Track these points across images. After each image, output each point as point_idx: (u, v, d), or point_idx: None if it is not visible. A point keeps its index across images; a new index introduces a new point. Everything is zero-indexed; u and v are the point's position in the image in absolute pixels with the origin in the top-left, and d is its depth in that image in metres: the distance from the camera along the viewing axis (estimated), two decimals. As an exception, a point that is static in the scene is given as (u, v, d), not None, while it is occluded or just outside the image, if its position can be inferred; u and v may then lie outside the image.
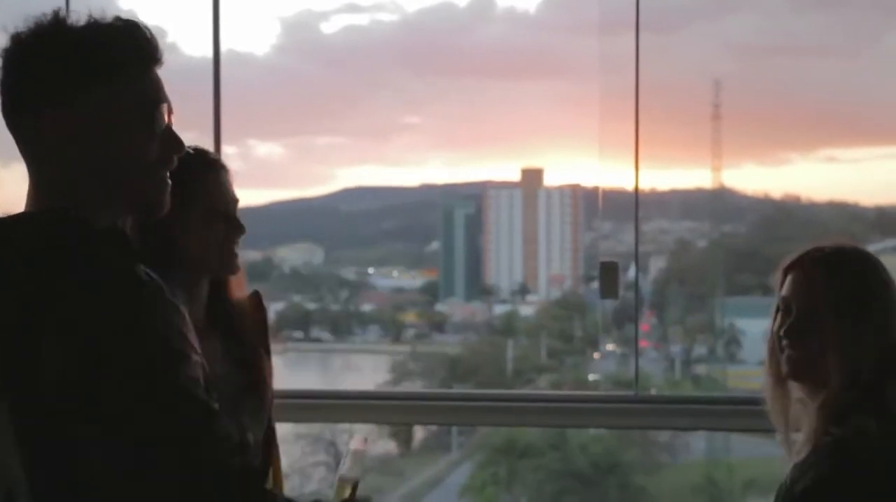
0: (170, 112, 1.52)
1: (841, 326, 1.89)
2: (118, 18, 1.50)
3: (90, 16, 1.49)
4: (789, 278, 1.97)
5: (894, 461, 1.82)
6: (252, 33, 10.97)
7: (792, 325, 1.95)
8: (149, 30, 1.51)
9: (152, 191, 1.52)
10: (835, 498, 1.83)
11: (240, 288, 2.17)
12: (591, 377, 9.09)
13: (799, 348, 1.94)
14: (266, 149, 10.97)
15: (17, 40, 1.49)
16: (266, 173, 10.97)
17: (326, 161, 11.69)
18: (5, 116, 1.51)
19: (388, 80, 10.32)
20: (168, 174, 1.53)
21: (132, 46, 1.49)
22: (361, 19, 11.79)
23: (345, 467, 2.00)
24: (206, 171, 2.05)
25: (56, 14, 1.48)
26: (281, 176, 11.24)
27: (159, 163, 1.51)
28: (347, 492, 1.96)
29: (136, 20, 1.51)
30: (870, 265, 1.97)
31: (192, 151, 2.03)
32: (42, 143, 1.48)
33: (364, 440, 2.02)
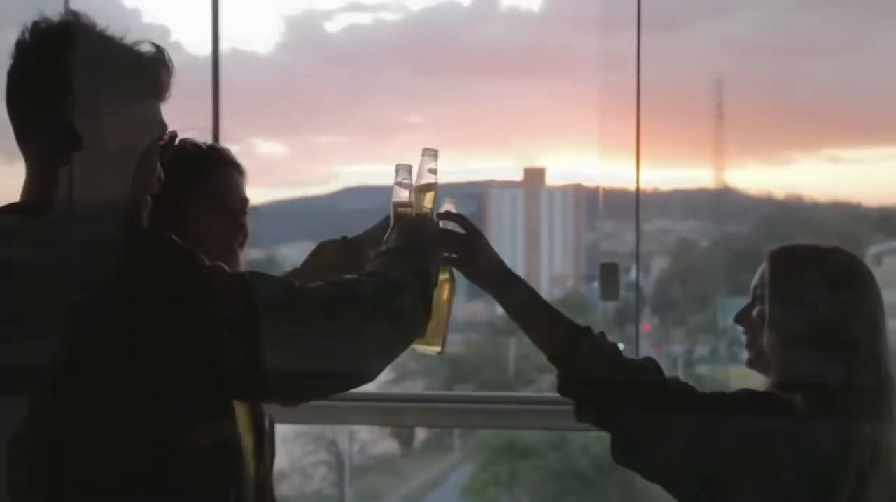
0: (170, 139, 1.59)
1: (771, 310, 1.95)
2: (148, 41, 1.54)
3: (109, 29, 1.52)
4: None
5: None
6: (255, 31, 10.98)
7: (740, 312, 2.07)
8: (170, 58, 1.57)
9: (139, 208, 1.55)
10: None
11: None
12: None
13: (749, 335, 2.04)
14: (268, 148, 10.98)
15: (53, 34, 1.50)
16: (268, 171, 10.98)
17: (328, 160, 11.71)
18: (23, 109, 1.52)
19: (391, 79, 10.33)
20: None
21: (162, 69, 1.54)
22: (365, 18, 11.80)
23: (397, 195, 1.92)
24: (213, 164, 2.04)
25: (79, 15, 1.51)
26: (283, 174, 11.25)
27: (153, 184, 1.56)
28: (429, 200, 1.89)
29: (161, 46, 1.55)
30: (819, 258, 1.97)
31: (203, 146, 2.05)
32: (47, 140, 1.49)
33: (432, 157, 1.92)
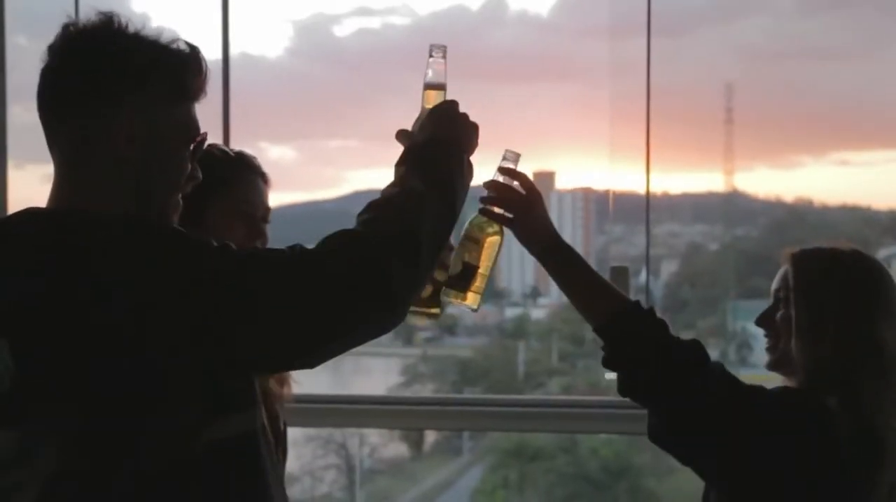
0: (203, 141, 1.58)
1: (798, 314, 1.91)
2: (184, 41, 1.54)
3: (145, 27, 1.52)
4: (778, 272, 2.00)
5: (849, 448, 1.81)
6: (264, 36, 11.00)
7: (763, 314, 2.00)
8: (205, 58, 1.57)
9: (172, 209, 1.55)
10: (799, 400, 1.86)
11: None
12: (608, 376, 9.08)
13: (772, 338, 1.99)
14: (277, 152, 10.98)
15: (73, 34, 1.50)
16: (277, 176, 10.95)
17: (337, 164, 11.72)
18: (45, 107, 1.52)
19: (399, 84, 10.33)
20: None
21: (194, 70, 1.54)
22: (373, 23, 11.80)
23: (428, 75, 1.77)
24: (239, 171, 2.05)
25: (111, 17, 1.51)
26: (292, 179, 11.26)
27: (185, 185, 1.55)
28: (436, 99, 1.74)
29: (197, 46, 1.55)
30: (842, 261, 1.96)
31: (232, 153, 2.05)
32: (80, 142, 1.49)
33: (441, 50, 1.76)
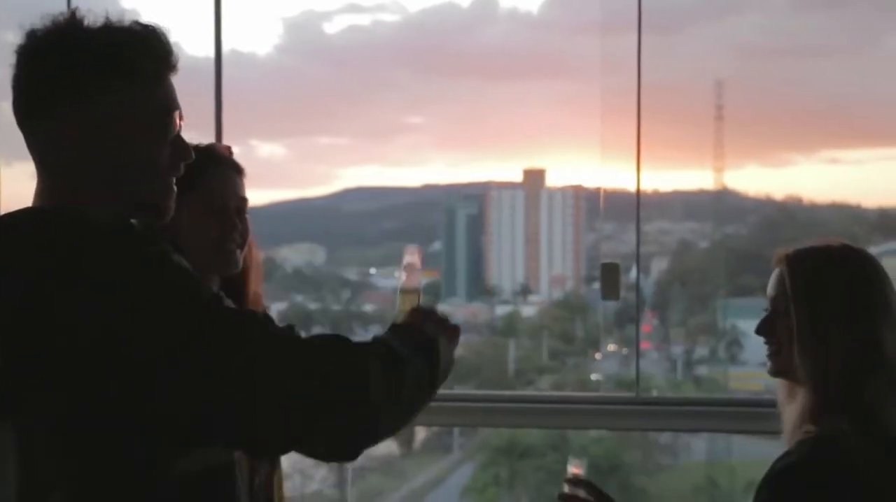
0: (180, 118, 1.54)
1: (798, 322, 1.89)
2: (137, 23, 1.52)
3: (107, 18, 1.51)
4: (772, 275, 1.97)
5: (865, 459, 1.80)
6: (254, 33, 10.99)
7: (763, 322, 1.96)
8: (166, 36, 1.53)
9: (160, 195, 1.53)
10: (798, 485, 1.82)
11: (257, 285, 2.15)
12: (594, 376, 9.10)
13: (773, 345, 1.95)
14: (268, 150, 10.98)
15: (35, 38, 1.49)
16: (268, 173, 10.98)
17: (328, 161, 11.72)
18: (18, 113, 1.51)
19: (390, 81, 10.35)
20: (174, 180, 1.55)
21: (153, 51, 1.51)
22: (364, 20, 11.80)
23: (402, 280, 1.80)
24: (209, 165, 2.03)
25: (73, 14, 1.49)
26: (283, 176, 11.26)
27: (169, 168, 1.53)
28: (412, 302, 1.77)
29: (154, 25, 1.52)
30: (837, 261, 1.94)
31: (201, 145, 2.03)
32: (55, 141, 1.48)
33: (415, 251, 1.79)
